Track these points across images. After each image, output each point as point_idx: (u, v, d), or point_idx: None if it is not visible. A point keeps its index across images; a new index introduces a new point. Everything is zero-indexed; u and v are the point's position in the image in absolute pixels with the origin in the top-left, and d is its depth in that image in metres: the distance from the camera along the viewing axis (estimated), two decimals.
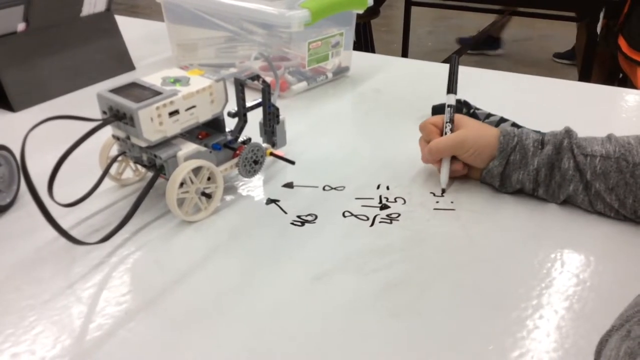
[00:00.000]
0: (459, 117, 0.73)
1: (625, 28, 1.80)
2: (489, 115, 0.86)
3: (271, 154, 0.74)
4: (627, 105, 0.97)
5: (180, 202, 0.65)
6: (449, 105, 0.74)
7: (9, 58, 0.95)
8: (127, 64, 1.13)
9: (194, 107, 0.65)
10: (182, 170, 0.63)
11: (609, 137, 0.66)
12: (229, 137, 0.70)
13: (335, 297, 0.55)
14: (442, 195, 0.71)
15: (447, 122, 0.72)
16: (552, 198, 0.68)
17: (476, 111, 0.87)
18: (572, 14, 2.49)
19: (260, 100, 0.73)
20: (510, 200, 0.69)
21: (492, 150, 0.68)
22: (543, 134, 0.69)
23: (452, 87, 0.77)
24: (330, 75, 1.06)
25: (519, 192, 0.69)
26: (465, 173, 0.72)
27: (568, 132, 0.67)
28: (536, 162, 0.66)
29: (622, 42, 1.81)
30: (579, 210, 0.67)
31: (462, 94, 0.91)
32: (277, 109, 0.75)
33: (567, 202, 0.67)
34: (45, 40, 1.00)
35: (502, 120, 0.83)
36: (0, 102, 0.96)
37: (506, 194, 0.70)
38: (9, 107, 0.95)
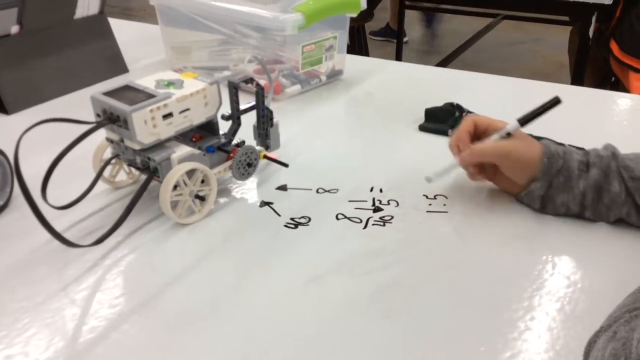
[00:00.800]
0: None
1: (617, 32, 1.82)
2: None
3: (265, 156, 0.75)
4: (619, 109, 0.97)
5: (174, 205, 0.65)
6: (507, 133, 0.67)
7: (3, 61, 0.95)
8: (120, 67, 1.13)
9: (187, 109, 0.65)
10: (176, 173, 0.63)
11: None
12: (223, 140, 0.70)
13: (328, 299, 0.55)
14: (429, 181, 0.71)
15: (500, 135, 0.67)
16: (601, 219, 0.65)
17: (469, 114, 0.88)
18: (564, 18, 2.50)
19: (254, 103, 0.73)
20: (502, 203, 0.70)
21: (533, 168, 0.65)
22: (587, 153, 0.66)
23: (526, 119, 0.68)
24: (324, 78, 1.07)
25: (565, 215, 0.66)
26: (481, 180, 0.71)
27: (614, 154, 0.65)
28: (582, 186, 0.64)
29: (614, 46, 1.82)
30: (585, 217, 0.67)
31: (454, 97, 0.92)
32: (271, 112, 0.75)
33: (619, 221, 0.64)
34: (39, 43, 1.00)
35: None
36: None
37: (501, 195, 0.70)
38: (3, 109, 0.95)
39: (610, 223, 0.65)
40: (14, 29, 0.96)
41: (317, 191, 0.73)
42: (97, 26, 1.10)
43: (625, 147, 0.66)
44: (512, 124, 0.67)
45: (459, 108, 0.89)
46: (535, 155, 0.65)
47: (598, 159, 0.64)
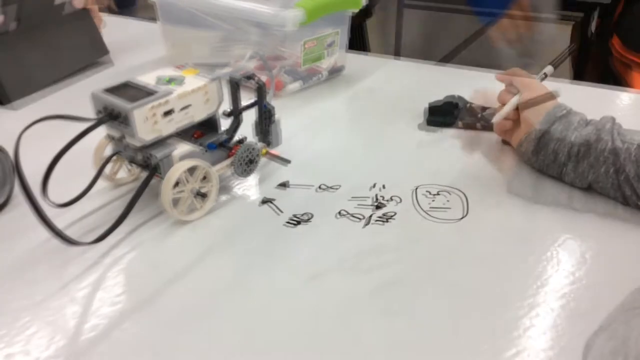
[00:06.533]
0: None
1: (619, 28, 1.81)
2: (484, 108, 0.87)
3: (266, 153, 0.74)
4: (622, 105, 0.97)
5: (175, 202, 0.65)
6: (544, 73, 0.82)
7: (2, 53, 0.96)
8: (101, 49, 1.16)
9: (188, 106, 0.65)
10: (177, 170, 0.63)
11: None
12: (224, 137, 0.70)
13: (329, 297, 0.55)
14: (489, 123, 0.79)
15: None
16: (579, 178, 0.69)
17: (472, 105, 0.88)
18: (566, 13, 2.49)
19: (255, 99, 0.72)
20: (504, 199, 0.69)
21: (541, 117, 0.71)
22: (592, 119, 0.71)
23: (556, 62, 0.86)
24: (325, 74, 1.06)
25: (544, 174, 0.72)
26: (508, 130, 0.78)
27: (613, 119, 0.69)
28: (574, 137, 0.68)
29: (616, 42, 1.82)
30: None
31: (457, 91, 0.92)
32: (272, 109, 0.75)
33: (592, 188, 0.68)
34: (29, 29, 1.01)
35: None
36: None
37: (503, 193, 0.70)
38: (5, 98, 0.96)
39: (586, 189, 0.69)
40: (12, 24, 0.96)
41: (319, 188, 0.72)
42: (79, 10, 1.11)
43: None
44: (548, 67, 0.82)
45: (460, 100, 0.90)
46: (549, 105, 0.72)
47: (597, 120, 0.69)
